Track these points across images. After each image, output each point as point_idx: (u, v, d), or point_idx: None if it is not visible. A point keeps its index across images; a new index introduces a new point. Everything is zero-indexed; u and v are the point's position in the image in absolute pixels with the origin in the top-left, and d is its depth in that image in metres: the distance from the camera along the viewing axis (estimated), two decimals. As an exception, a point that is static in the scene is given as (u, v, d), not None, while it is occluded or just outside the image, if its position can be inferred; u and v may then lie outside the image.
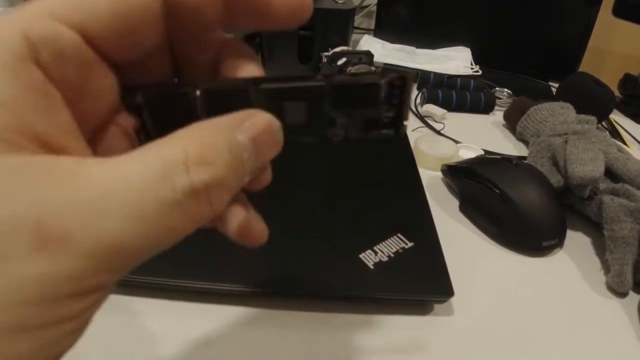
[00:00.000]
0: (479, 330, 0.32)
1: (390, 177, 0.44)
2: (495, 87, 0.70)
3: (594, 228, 0.41)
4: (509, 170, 0.41)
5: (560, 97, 0.60)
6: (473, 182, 0.42)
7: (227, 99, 0.14)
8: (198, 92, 0.14)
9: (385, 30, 0.84)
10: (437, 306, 0.33)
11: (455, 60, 0.77)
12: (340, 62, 0.59)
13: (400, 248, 0.34)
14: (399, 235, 0.36)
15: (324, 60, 0.63)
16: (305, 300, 0.32)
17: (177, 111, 0.15)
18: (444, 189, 0.47)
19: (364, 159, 0.46)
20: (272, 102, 0.15)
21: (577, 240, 0.41)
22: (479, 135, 0.58)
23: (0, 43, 0.11)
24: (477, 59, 0.77)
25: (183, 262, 0.30)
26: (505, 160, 0.44)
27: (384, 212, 0.38)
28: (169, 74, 0.16)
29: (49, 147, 0.11)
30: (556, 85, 0.68)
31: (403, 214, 0.38)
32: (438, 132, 0.58)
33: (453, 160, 0.49)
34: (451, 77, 0.69)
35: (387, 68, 0.72)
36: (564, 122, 0.48)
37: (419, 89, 0.69)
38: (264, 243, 0.15)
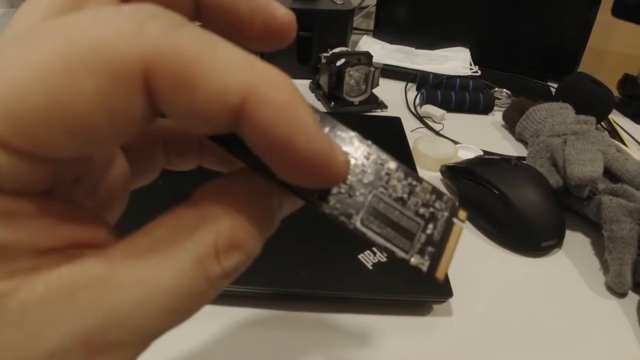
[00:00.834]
0: (478, 331, 0.32)
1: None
2: (494, 88, 0.70)
3: (593, 228, 0.41)
4: (508, 171, 0.41)
5: (559, 97, 0.60)
6: (472, 182, 0.42)
7: None
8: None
9: (385, 31, 0.84)
10: (436, 307, 0.33)
11: (454, 61, 0.77)
12: (339, 63, 0.59)
13: (399, 249, 0.34)
14: (397, 235, 0.35)
15: (323, 61, 0.63)
16: (304, 301, 0.32)
17: None
18: (443, 190, 0.47)
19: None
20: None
21: (576, 241, 0.41)
22: (478, 135, 0.58)
23: None
24: (476, 59, 0.77)
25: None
26: (504, 160, 0.44)
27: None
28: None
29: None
30: (555, 85, 0.68)
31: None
32: (437, 133, 0.58)
33: (452, 160, 0.49)
34: (450, 78, 0.69)
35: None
36: (563, 122, 0.48)
37: (418, 89, 0.69)
38: None
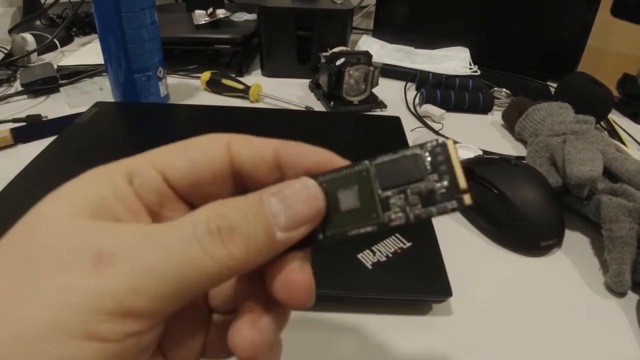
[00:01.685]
0: (478, 330, 0.32)
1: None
2: (494, 87, 0.70)
3: (593, 228, 0.41)
4: (508, 171, 0.41)
5: (558, 97, 0.60)
6: (472, 182, 0.42)
7: None
8: None
9: (384, 30, 0.84)
10: (435, 306, 0.33)
11: (454, 61, 0.77)
12: (338, 63, 0.59)
13: (399, 248, 0.34)
14: (397, 235, 0.36)
15: (323, 60, 0.63)
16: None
17: None
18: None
19: (362, 160, 0.46)
20: (328, 194, 0.16)
21: (575, 240, 0.41)
22: (478, 135, 0.58)
23: (111, 168, 0.16)
24: (475, 59, 0.77)
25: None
26: (504, 160, 0.44)
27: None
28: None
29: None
30: (555, 85, 0.68)
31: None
32: (436, 132, 0.58)
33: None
34: (450, 77, 0.69)
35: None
36: (563, 122, 0.48)
37: (417, 89, 0.69)
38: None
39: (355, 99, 0.62)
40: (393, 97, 0.68)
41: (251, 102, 0.64)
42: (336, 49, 0.64)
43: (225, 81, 0.65)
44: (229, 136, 0.17)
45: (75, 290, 0.13)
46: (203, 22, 0.72)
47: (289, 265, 0.16)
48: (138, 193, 0.16)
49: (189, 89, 0.67)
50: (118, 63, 0.55)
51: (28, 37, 0.73)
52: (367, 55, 0.61)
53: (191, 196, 0.18)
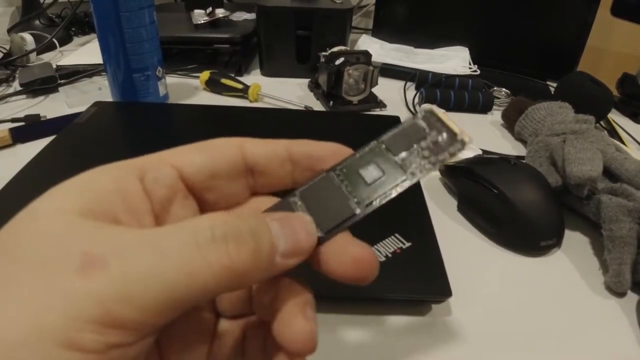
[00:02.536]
0: (477, 330, 0.32)
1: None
2: (494, 87, 0.70)
3: (593, 228, 0.41)
4: (507, 170, 0.41)
5: (558, 96, 0.60)
6: (471, 181, 0.42)
7: (316, 192, 0.18)
8: (296, 198, 0.18)
9: (384, 30, 0.84)
10: (435, 306, 0.33)
11: (453, 60, 0.77)
12: (338, 62, 0.59)
13: (398, 248, 0.34)
14: (396, 235, 0.35)
15: (322, 60, 0.63)
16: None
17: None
18: (442, 189, 0.47)
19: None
20: (350, 176, 0.18)
21: (575, 240, 0.41)
22: (477, 134, 0.58)
23: (123, 165, 0.17)
24: (475, 58, 0.77)
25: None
26: (504, 160, 0.44)
27: (381, 212, 0.38)
28: (246, 197, 0.19)
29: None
30: (554, 84, 0.68)
31: (401, 214, 0.38)
32: (436, 132, 0.58)
33: (451, 159, 0.48)
34: (449, 77, 0.69)
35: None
36: (562, 121, 0.48)
37: (417, 88, 0.68)
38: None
39: (355, 99, 0.62)
40: (392, 96, 0.67)
41: (250, 101, 0.64)
42: (335, 49, 0.64)
43: (224, 81, 0.65)
44: (242, 138, 0.19)
45: (59, 293, 0.12)
46: (202, 21, 0.72)
47: (294, 315, 0.16)
48: (148, 190, 0.16)
49: (188, 89, 0.67)
50: (117, 63, 0.55)
51: (27, 36, 0.73)
52: (367, 54, 0.61)
53: (204, 191, 0.18)
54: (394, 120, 0.54)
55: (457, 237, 0.40)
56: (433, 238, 0.36)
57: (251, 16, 0.79)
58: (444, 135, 0.18)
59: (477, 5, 0.78)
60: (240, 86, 0.64)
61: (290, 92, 0.66)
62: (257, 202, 0.19)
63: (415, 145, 0.18)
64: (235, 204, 0.19)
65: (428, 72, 0.71)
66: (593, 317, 0.34)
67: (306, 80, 0.70)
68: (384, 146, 0.18)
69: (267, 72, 0.73)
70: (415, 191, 0.42)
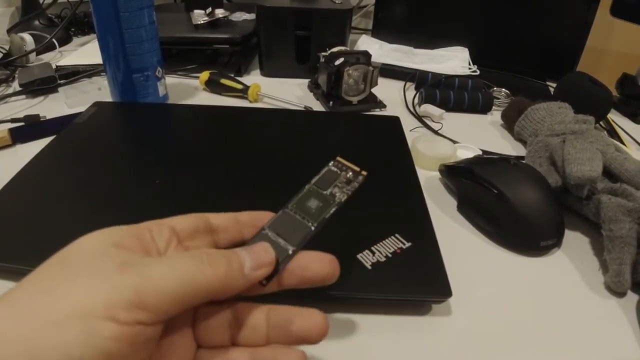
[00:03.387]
0: (477, 331, 0.32)
1: (388, 177, 0.43)
2: (493, 87, 0.70)
3: (592, 228, 0.41)
4: (507, 170, 0.41)
5: (558, 96, 0.60)
6: (471, 182, 0.42)
7: (280, 223, 0.26)
8: (266, 231, 0.25)
9: (383, 30, 0.84)
10: (435, 306, 0.33)
11: (453, 60, 0.77)
12: (337, 62, 0.59)
13: (398, 248, 0.34)
14: (396, 235, 0.35)
15: (322, 60, 0.63)
16: (302, 301, 0.32)
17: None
18: (442, 189, 0.47)
19: (361, 160, 0.45)
20: (301, 208, 0.26)
21: (575, 240, 0.41)
22: (477, 135, 0.58)
23: (135, 225, 0.23)
24: (474, 58, 0.77)
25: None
26: (503, 160, 0.44)
27: (381, 212, 0.38)
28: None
29: None
30: (554, 84, 0.68)
31: (401, 214, 0.38)
32: (436, 132, 0.58)
33: (451, 160, 0.49)
34: (449, 77, 0.69)
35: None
36: (562, 121, 0.48)
37: (416, 88, 0.69)
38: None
39: (355, 99, 0.62)
40: (392, 97, 0.67)
41: (250, 102, 0.64)
42: (335, 49, 0.64)
43: (224, 81, 0.65)
44: (207, 213, 0.26)
45: (104, 284, 0.18)
46: (202, 21, 0.72)
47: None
48: (154, 239, 0.23)
49: (187, 89, 0.67)
50: (116, 63, 0.55)
51: (26, 37, 0.73)
52: (366, 55, 0.61)
53: (188, 240, 0.25)
54: (394, 120, 0.54)
55: (457, 237, 0.40)
56: (433, 238, 0.36)
57: (251, 16, 0.79)
58: (350, 173, 0.28)
59: (477, 6, 0.78)
60: (240, 86, 0.64)
61: (290, 93, 0.66)
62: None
63: (335, 182, 0.27)
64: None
65: (428, 72, 0.71)
66: (593, 317, 0.34)
67: (306, 81, 0.70)
68: (315, 187, 0.27)
69: (267, 72, 0.73)
70: (415, 191, 0.42)
